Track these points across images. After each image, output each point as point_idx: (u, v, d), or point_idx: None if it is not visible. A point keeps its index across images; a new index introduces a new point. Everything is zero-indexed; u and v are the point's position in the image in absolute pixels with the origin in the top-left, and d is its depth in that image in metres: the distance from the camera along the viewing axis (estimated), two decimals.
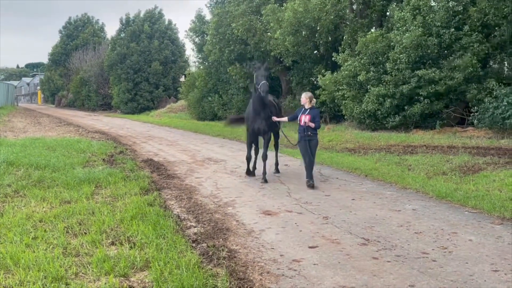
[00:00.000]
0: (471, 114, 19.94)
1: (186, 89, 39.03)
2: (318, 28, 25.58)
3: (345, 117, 23.52)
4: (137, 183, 10.76)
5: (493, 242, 6.58)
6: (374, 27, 25.15)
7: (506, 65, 24.00)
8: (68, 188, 10.11)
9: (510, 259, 5.88)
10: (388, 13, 25.47)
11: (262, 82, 10.85)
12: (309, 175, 10.64)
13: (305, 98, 10.95)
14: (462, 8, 20.50)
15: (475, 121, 19.23)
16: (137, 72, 49.49)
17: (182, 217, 8.22)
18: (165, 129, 29.89)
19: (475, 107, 19.39)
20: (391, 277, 5.40)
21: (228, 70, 30.82)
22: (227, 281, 5.25)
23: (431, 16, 20.54)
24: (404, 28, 20.82)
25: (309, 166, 10.66)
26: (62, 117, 42.55)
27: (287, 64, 28.27)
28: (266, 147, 11.42)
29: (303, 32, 25.33)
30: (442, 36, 20.34)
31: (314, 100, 11.18)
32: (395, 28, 21.47)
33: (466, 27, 20.00)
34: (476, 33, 20.04)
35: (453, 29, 20.24)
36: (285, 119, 11.64)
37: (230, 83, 33.16)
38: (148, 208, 8.36)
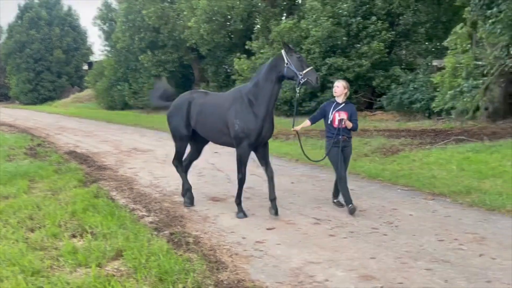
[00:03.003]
0: (378, 99, 21.25)
1: (93, 77, 37.98)
2: (230, 16, 25.96)
3: None
4: (72, 176, 10.59)
5: (431, 215, 7.30)
6: (285, 15, 25.91)
7: (405, 52, 25.71)
8: (1, 183, 9.78)
9: (450, 230, 6.59)
10: (297, 2, 26.36)
11: (311, 68, 7.32)
12: (348, 197, 7.55)
13: (342, 87, 7.72)
14: None
15: (384, 105, 20.52)
16: (38, 61, 47.25)
17: (131, 208, 8.28)
18: (76, 120, 29.03)
19: (383, 92, 20.69)
20: (352, 251, 5.90)
21: (140, 59, 30.38)
22: (203, 264, 5.49)
23: (339, 6, 21.53)
24: (314, 16, 21.63)
25: (345, 184, 7.67)
26: None
27: (202, 52, 28.39)
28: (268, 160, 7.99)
29: (217, 20, 25.58)
30: (350, 25, 21.38)
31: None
32: (307, 17, 22.26)
33: (373, 17, 21.15)
34: (382, 21, 21.27)
35: (360, 18, 21.34)
36: (306, 123, 8.06)
37: (140, 71, 32.69)
38: (95, 200, 8.34)
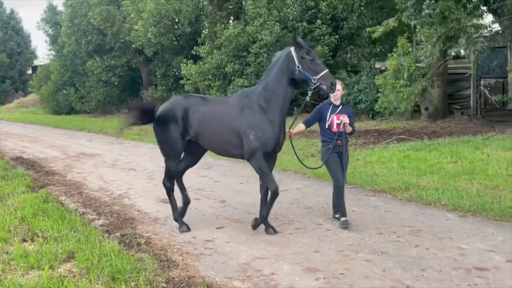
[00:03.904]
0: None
1: (38, 82, 37.19)
2: (178, 20, 26.05)
3: None
4: (20, 182, 10.49)
5: (372, 211, 7.71)
6: (232, 19, 26.20)
7: (350, 55, 26.45)
8: None
9: (389, 223, 6.99)
10: (244, 6, 26.68)
11: (326, 71, 6.48)
12: (343, 209, 7.02)
13: (342, 89, 7.25)
14: (314, 2, 22.18)
15: None
16: None
17: (81, 211, 8.34)
18: (21, 125, 28.47)
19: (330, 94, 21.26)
20: (298, 246, 6.19)
21: (87, 65, 30.04)
22: (154, 263, 5.66)
23: (285, 10, 21.99)
24: (261, 20, 21.99)
25: (343, 194, 7.15)
26: None
27: (148, 55, 28.33)
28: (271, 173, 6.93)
29: (165, 23, 25.61)
30: (297, 29, 21.86)
31: None
32: (251, 22, 22.58)
33: (318, 21, 21.73)
34: (326, 26, 21.87)
35: (305, 23, 21.86)
36: (300, 127, 7.47)
37: (88, 75, 32.29)
38: (45, 205, 8.34)
